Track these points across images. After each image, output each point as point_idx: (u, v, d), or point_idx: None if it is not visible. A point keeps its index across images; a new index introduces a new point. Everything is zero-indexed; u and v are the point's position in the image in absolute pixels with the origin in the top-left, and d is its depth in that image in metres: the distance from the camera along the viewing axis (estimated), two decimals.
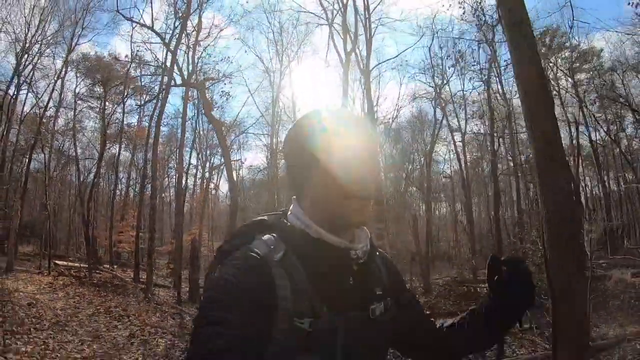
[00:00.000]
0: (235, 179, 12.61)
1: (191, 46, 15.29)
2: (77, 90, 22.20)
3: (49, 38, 19.32)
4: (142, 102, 18.06)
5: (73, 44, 19.48)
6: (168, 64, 13.89)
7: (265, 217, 0.92)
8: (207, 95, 13.17)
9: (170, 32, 15.48)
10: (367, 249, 0.88)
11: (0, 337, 5.54)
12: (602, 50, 20.95)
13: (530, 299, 0.96)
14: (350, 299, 0.82)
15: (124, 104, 21.89)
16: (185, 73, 14.61)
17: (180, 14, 12.17)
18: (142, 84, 22.30)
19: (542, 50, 20.60)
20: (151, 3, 16.06)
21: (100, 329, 7.32)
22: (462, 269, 18.68)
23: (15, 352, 5.26)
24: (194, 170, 27.31)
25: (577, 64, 21.11)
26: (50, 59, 20.37)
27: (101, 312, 8.70)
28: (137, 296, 11.44)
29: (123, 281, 13.82)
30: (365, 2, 15.89)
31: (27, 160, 20.67)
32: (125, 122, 23.22)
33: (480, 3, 11.95)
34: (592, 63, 20.77)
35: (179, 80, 12.52)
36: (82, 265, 15.05)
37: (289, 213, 0.90)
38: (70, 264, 15.29)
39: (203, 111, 14.89)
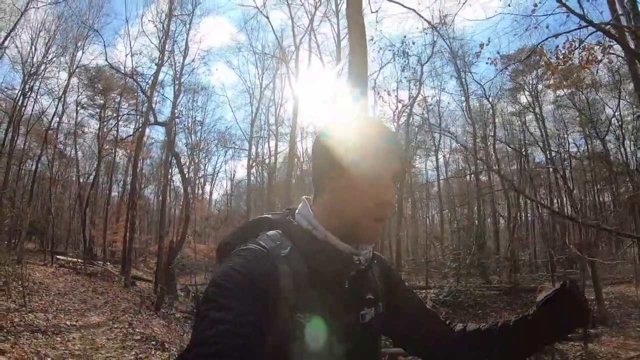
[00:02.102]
0: (189, 192, 17.39)
1: (178, 70, 20.19)
2: (78, 100, 27.32)
3: (52, 60, 24.32)
4: (122, 138, 22.87)
5: (74, 67, 24.54)
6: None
7: (270, 215, 1.02)
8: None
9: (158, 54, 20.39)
10: (369, 255, 0.97)
11: (25, 297, 10.13)
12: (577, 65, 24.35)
13: (582, 318, 0.96)
14: (344, 302, 0.91)
15: (118, 118, 26.87)
16: (171, 95, 19.48)
17: (157, 62, 16.98)
18: (137, 99, 27.32)
19: (520, 68, 24.42)
20: (131, 55, 20.75)
21: (87, 298, 11.99)
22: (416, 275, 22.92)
23: (35, 302, 9.95)
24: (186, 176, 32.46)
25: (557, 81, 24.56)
26: (54, 71, 25.31)
27: (90, 290, 13.41)
28: (120, 283, 16.21)
29: (111, 273, 18.59)
30: (337, 27, 20.06)
31: (33, 166, 25.80)
32: (121, 130, 28.24)
33: (404, 47, 15.81)
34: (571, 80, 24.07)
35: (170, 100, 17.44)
36: (79, 259, 19.88)
37: (296, 212, 0.99)
38: (69, 258, 20.14)
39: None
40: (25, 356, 5.88)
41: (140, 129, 19.22)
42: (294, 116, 19.15)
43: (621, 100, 20.66)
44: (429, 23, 13.10)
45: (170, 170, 25.08)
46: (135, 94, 26.45)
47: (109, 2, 37.25)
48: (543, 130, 24.07)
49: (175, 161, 15.27)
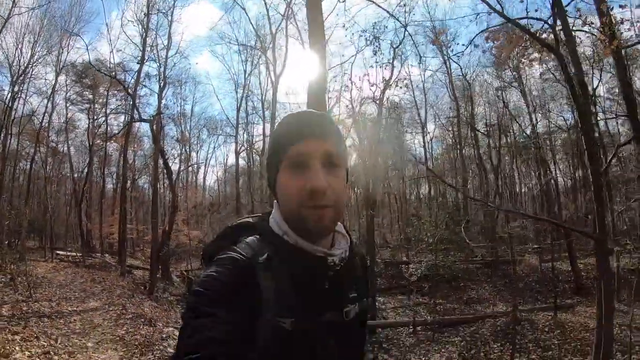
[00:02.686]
0: (176, 188, 19.00)
1: (162, 63, 21.44)
2: (67, 96, 28.32)
3: (38, 61, 25.49)
4: (110, 135, 24.35)
5: (60, 66, 25.72)
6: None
7: (250, 219, 1.08)
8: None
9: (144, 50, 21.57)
10: (345, 255, 1.01)
11: (30, 290, 11.69)
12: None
13: None
14: (325, 302, 0.95)
15: (107, 113, 28.13)
16: (156, 87, 20.81)
17: (138, 61, 18.28)
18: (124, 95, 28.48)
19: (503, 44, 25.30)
20: (115, 51, 22.09)
21: (86, 287, 13.60)
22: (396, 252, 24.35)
23: (39, 293, 11.54)
24: (178, 165, 33.85)
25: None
26: (42, 71, 26.49)
27: (88, 280, 15.03)
28: (116, 272, 17.87)
29: (108, 264, 20.25)
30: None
31: (28, 166, 27.25)
32: (112, 124, 29.35)
33: (375, 33, 16.79)
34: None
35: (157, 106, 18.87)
36: (77, 253, 21.54)
37: (270, 217, 1.03)
38: (68, 253, 21.82)
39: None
40: (34, 335, 7.44)
41: (127, 126, 20.71)
42: (273, 104, 20.51)
43: (606, 73, 21.15)
44: (388, 12, 14.18)
45: (161, 162, 26.56)
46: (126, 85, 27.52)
47: (91, 1, 38.38)
48: (526, 105, 24.87)
49: (162, 157, 16.71)
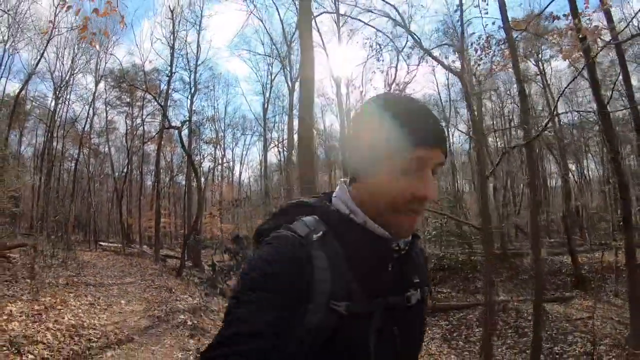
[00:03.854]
0: (202, 189, 22.14)
1: (192, 71, 24.57)
2: (107, 100, 31.99)
3: (78, 71, 29.20)
4: (146, 139, 27.70)
5: (99, 74, 29.38)
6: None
7: (307, 199, 1.05)
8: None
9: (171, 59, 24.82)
10: (409, 240, 1.00)
11: (79, 268, 14.78)
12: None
13: None
14: (388, 284, 0.94)
15: (143, 118, 31.64)
16: (187, 94, 23.92)
17: (168, 75, 21.40)
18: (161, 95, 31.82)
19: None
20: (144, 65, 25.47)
21: (124, 269, 16.69)
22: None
23: (86, 272, 14.68)
24: (212, 163, 37.06)
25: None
26: (82, 80, 30.17)
27: (127, 265, 18.18)
28: (151, 260, 21.10)
29: (145, 253, 23.59)
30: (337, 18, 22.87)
31: (72, 167, 31.06)
32: (149, 125, 32.70)
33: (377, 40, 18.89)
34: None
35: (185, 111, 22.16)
36: (118, 244, 25.05)
37: (333, 196, 1.02)
38: (110, 244, 25.37)
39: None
40: (83, 294, 10.38)
41: (159, 132, 24.02)
42: (290, 108, 23.20)
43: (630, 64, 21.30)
44: (385, 34, 15.79)
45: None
46: (159, 90, 30.80)
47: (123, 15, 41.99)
48: (548, 99, 25.56)
49: (195, 156, 19.70)
